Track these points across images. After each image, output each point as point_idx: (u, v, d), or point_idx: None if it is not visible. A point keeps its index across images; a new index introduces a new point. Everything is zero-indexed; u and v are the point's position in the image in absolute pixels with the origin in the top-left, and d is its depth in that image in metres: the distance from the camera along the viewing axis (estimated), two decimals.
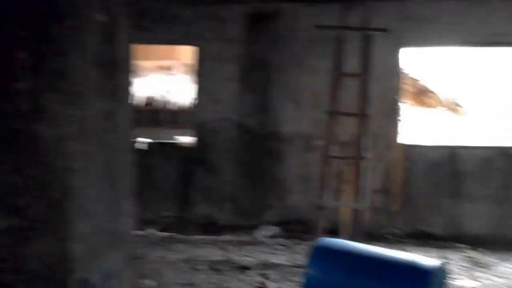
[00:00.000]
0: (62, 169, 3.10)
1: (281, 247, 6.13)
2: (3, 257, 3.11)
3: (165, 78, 10.91)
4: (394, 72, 6.68)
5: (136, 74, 4.15)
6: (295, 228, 6.65)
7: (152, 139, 7.20)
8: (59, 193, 3.10)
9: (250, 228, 6.65)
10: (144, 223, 5.82)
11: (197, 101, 7.13)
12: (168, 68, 10.96)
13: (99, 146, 3.32)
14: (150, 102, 10.23)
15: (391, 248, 3.00)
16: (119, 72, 3.50)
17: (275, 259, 5.62)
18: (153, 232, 6.47)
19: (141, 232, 5.93)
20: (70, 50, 3.12)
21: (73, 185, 3.13)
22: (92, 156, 3.26)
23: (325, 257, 2.93)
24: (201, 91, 7.06)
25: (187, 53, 8.78)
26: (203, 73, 7.04)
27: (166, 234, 6.55)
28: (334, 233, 5.36)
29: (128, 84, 3.67)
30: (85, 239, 3.21)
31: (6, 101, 3.12)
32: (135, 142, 4.30)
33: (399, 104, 6.75)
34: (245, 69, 6.96)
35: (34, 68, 3.09)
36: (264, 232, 6.57)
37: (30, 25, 3.09)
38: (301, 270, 4.52)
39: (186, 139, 7.41)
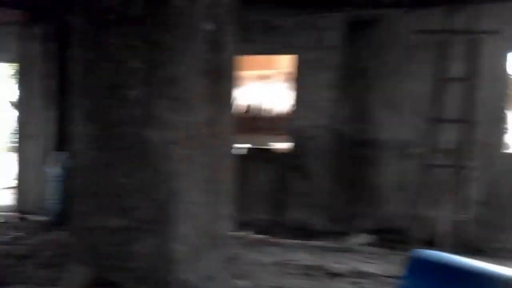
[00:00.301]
0: (168, 173, 3.23)
1: (374, 255, 6.01)
2: (113, 255, 3.30)
3: (264, 86, 11.07)
4: (501, 77, 6.34)
5: (238, 83, 4.26)
6: (389, 237, 6.49)
7: (250, 145, 7.38)
8: (165, 195, 3.24)
9: (342, 235, 6.59)
10: (240, 225, 5.96)
11: (294, 108, 7.20)
12: (267, 77, 11.11)
13: (203, 150, 3.43)
14: (249, 109, 10.45)
15: (494, 263, 2.85)
16: (223, 80, 3.60)
17: (367, 268, 5.52)
18: (248, 234, 6.62)
19: (236, 234, 6.07)
20: (179, 58, 3.25)
21: (178, 187, 3.25)
22: (196, 161, 3.37)
23: (422, 269, 2.82)
24: (299, 99, 7.11)
25: (285, 62, 8.88)
26: (301, 81, 7.09)
27: (260, 236, 6.67)
28: (430, 244, 5.19)
29: (231, 91, 3.76)
30: (187, 241, 3.32)
31: (119, 107, 3.31)
32: (235, 147, 4.44)
33: (506, 111, 6.41)
34: (343, 76, 6.92)
35: (146, 76, 3.25)
36: (357, 239, 6.48)
37: (142, 35, 3.26)
38: (394, 281, 4.43)
39: (282, 145, 7.50)
